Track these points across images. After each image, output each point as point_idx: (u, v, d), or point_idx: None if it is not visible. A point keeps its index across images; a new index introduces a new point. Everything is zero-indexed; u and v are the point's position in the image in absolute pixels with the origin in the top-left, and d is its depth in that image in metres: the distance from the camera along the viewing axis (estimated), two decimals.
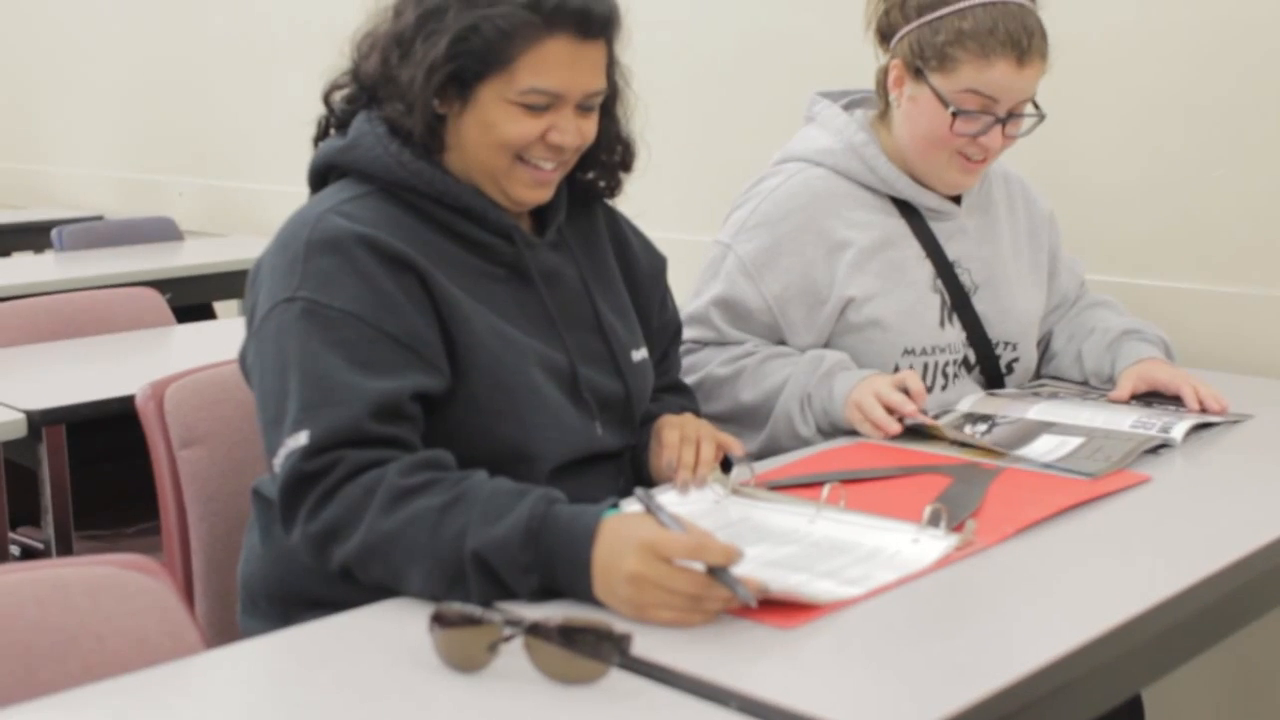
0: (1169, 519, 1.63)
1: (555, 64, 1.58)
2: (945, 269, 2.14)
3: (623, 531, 1.34)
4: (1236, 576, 1.48)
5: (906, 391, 1.95)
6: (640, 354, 1.79)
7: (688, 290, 2.16)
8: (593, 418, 1.70)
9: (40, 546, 2.46)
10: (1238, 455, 1.89)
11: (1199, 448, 1.90)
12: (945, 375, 2.10)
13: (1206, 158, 2.45)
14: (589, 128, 1.65)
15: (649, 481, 1.76)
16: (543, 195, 1.68)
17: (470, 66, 1.58)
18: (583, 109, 1.64)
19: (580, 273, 1.75)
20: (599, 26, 1.61)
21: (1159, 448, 1.87)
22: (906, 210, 2.14)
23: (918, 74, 2.04)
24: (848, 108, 2.20)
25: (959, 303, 2.13)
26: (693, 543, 1.30)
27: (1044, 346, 2.32)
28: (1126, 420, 1.97)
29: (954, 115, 2.01)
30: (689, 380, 2.03)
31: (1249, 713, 2.50)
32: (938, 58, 2.01)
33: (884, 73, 2.11)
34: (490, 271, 1.66)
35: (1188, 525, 1.61)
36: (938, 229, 2.15)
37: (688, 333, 2.07)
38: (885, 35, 2.10)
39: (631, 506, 1.45)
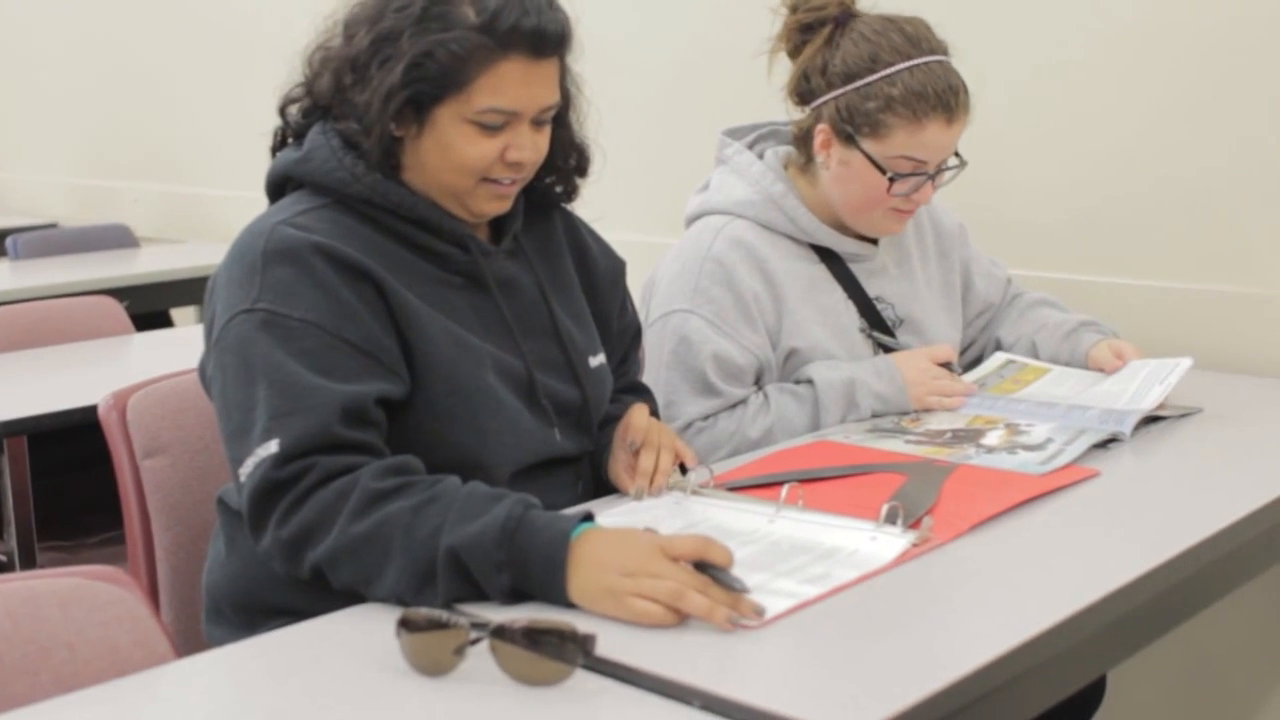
0: (1118, 512, 1.67)
1: (511, 84, 1.59)
2: (869, 310, 2.17)
3: (619, 537, 1.39)
4: (1185, 566, 1.52)
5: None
6: (598, 360, 1.81)
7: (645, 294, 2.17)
8: (551, 424, 1.72)
9: (3, 558, 2.46)
10: (1186, 448, 1.93)
11: (1148, 442, 1.94)
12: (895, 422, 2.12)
13: (1145, 153, 2.49)
14: (544, 141, 1.67)
15: (607, 485, 1.78)
16: (503, 207, 1.69)
17: (426, 91, 1.59)
18: (537, 123, 1.65)
19: (537, 280, 1.76)
20: (553, 45, 1.62)
21: (1108, 442, 1.91)
22: (826, 255, 2.17)
23: (848, 139, 2.06)
24: (755, 143, 2.22)
25: (885, 342, 2.17)
26: (701, 539, 1.36)
27: (993, 347, 2.36)
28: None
29: (890, 180, 2.04)
30: (717, 458, 2.00)
31: (1202, 697, 2.55)
32: (869, 124, 2.03)
33: (805, 132, 2.12)
34: (447, 280, 1.67)
35: (1137, 518, 1.65)
36: (857, 269, 2.18)
37: (695, 408, 2.05)
38: (804, 98, 2.12)
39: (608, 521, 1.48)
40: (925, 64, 2.02)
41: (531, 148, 1.64)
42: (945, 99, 2.01)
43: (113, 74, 5.36)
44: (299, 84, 1.71)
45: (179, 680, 1.30)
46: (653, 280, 2.19)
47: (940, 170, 2.08)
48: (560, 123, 1.73)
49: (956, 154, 2.09)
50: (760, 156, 2.19)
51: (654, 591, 1.32)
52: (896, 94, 2.01)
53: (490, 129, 1.61)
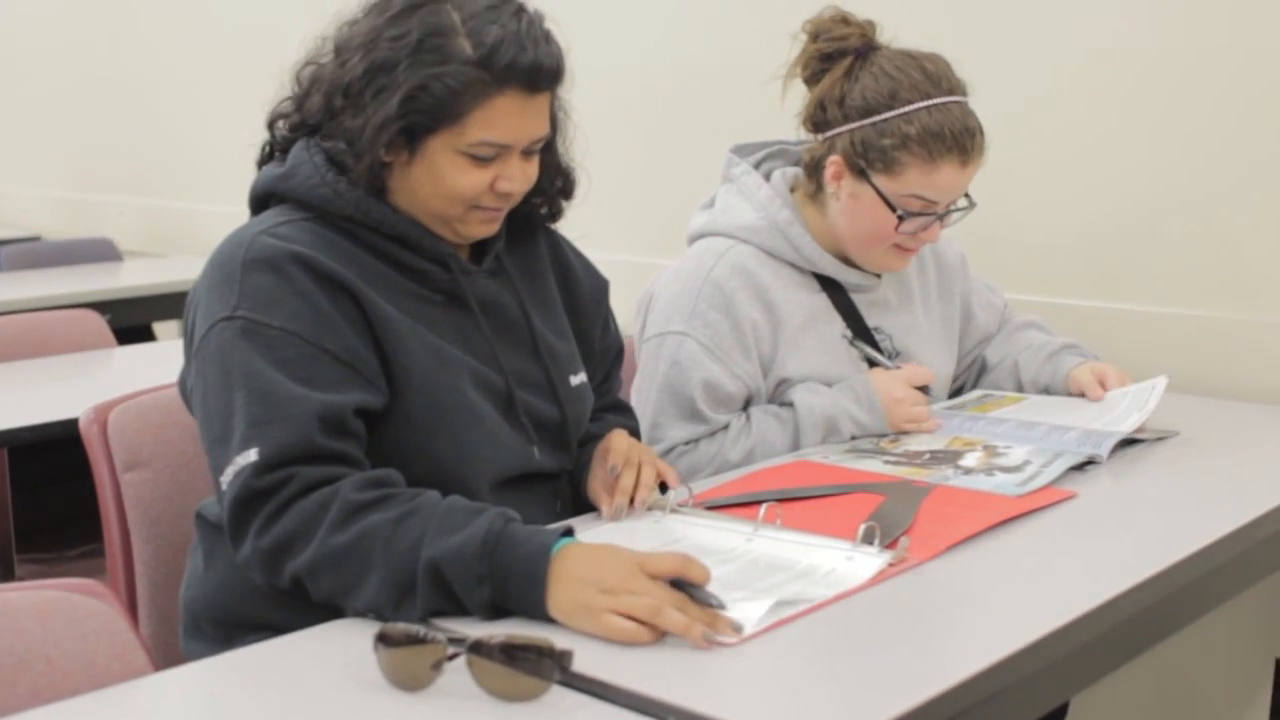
0: (1094, 534, 1.68)
1: (505, 117, 1.60)
2: (868, 340, 2.18)
3: (600, 552, 1.39)
4: (1158, 589, 1.53)
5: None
6: (579, 379, 1.82)
7: (630, 311, 2.18)
8: (530, 442, 1.72)
9: None
10: (1162, 471, 1.94)
11: (1125, 464, 1.95)
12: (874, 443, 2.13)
13: (1136, 180, 2.51)
14: (533, 170, 1.68)
15: (586, 503, 1.79)
16: (490, 230, 1.70)
17: (420, 122, 1.59)
18: (527, 153, 1.66)
19: (519, 299, 1.77)
20: (548, 80, 1.63)
21: (1086, 464, 1.92)
22: (827, 283, 2.17)
23: (860, 173, 2.05)
24: (763, 163, 2.21)
25: (871, 356, 2.17)
26: (680, 557, 1.37)
27: (979, 367, 2.38)
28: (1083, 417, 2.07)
29: (900, 218, 2.04)
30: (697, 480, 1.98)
31: None
32: (883, 160, 2.02)
33: (816, 161, 2.12)
34: (427, 297, 1.68)
35: (1112, 540, 1.66)
36: (858, 299, 2.19)
37: (679, 432, 2.05)
38: (819, 127, 2.10)
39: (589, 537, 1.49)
40: (944, 104, 2.01)
41: (521, 178, 1.65)
42: (961, 141, 2.00)
43: (98, 88, 5.36)
44: (288, 99, 1.71)
45: (156, 693, 1.30)
46: (650, 295, 2.18)
47: (949, 211, 2.08)
48: (547, 148, 1.74)
49: (966, 195, 2.09)
50: (767, 177, 2.19)
51: (631, 608, 1.33)
52: (913, 132, 2.00)
53: (481, 160, 1.61)
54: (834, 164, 2.08)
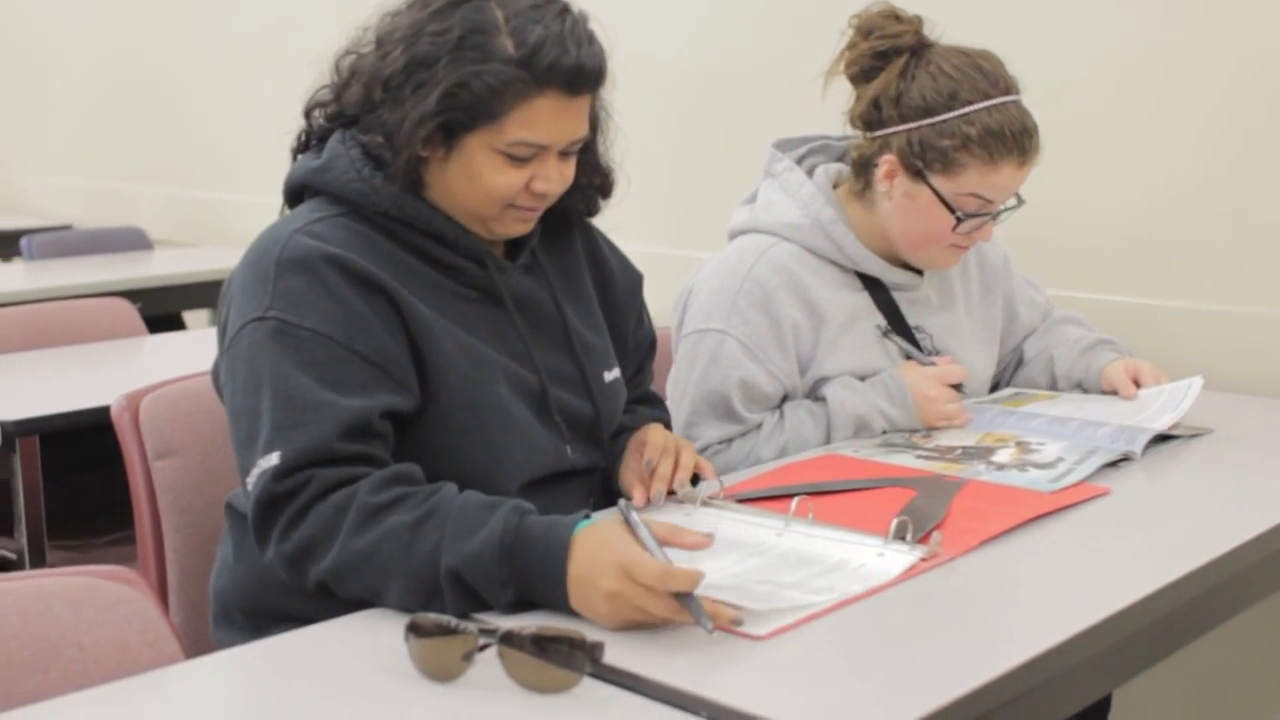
0: (1128, 531, 1.67)
1: (544, 118, 1.58)
2: (909, 339, 2.16)
3: (598, 548, 1.36)
4: (1194, 586, 1.52)
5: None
6: (612, 374, 1.81)
7: (662, 304, 2.17)
8: (563, 440, 1.72)
9: (13, 556, 2.47)
10: (1197, 468, 1.93)
11: (1159, 461, 1.94)
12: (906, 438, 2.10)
13: (1178, 180, 2.49)
14: (570, 170, 1.67)
15: (617, 497, 1.78)
16: (526, 229, 1.70)
17: (459, 119, 1.58)
18: (564, 154, 1.65)
19: (553, 295, 1.76)
20: (590, 82, 1.62)
21: (1119, 461, 1.90)
22: (869, 281, 2.15)
23: (917, 174, 2.03)
24: (805, 158, 2.19)
25: (906, 350, 2.16)
26: (660, 570, 1.31)
27: (1016, 360, 2.37)
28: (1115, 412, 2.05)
29: (958, 219, 2.02)
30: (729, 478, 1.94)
31: (1208, 718, 2.54)
32: (941, 161, 2.00)
33: (867, 159, 2.08)
34: (462, 293, 1.67)
35: (1147, 537, 1.65)
36: (900, 298, 2.17)
37: (715, 432, 2.04)
38: (871, 125, 2.07)
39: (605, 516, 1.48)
40: (1003, 104, 1.99)
41: (558, 179, 1.64)
42: (1021, 141, 1.99)
43: (129, 77, 5.38)
44: (326, 87, 1.70)
45: (188, 680, 1.31)
46: (689, 289, 2.17)
47: (1002, 210, 2.07)
48: (586, 148, 1.72)
49: (1015, 193, 2.08)
50: (810, 173, 2.17)
51: (641, 619, 1.33)
52: (974, 134, 1.98)
53: (518, 160, 1.60)
54: (888, 163, 2.05)
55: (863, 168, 2.10)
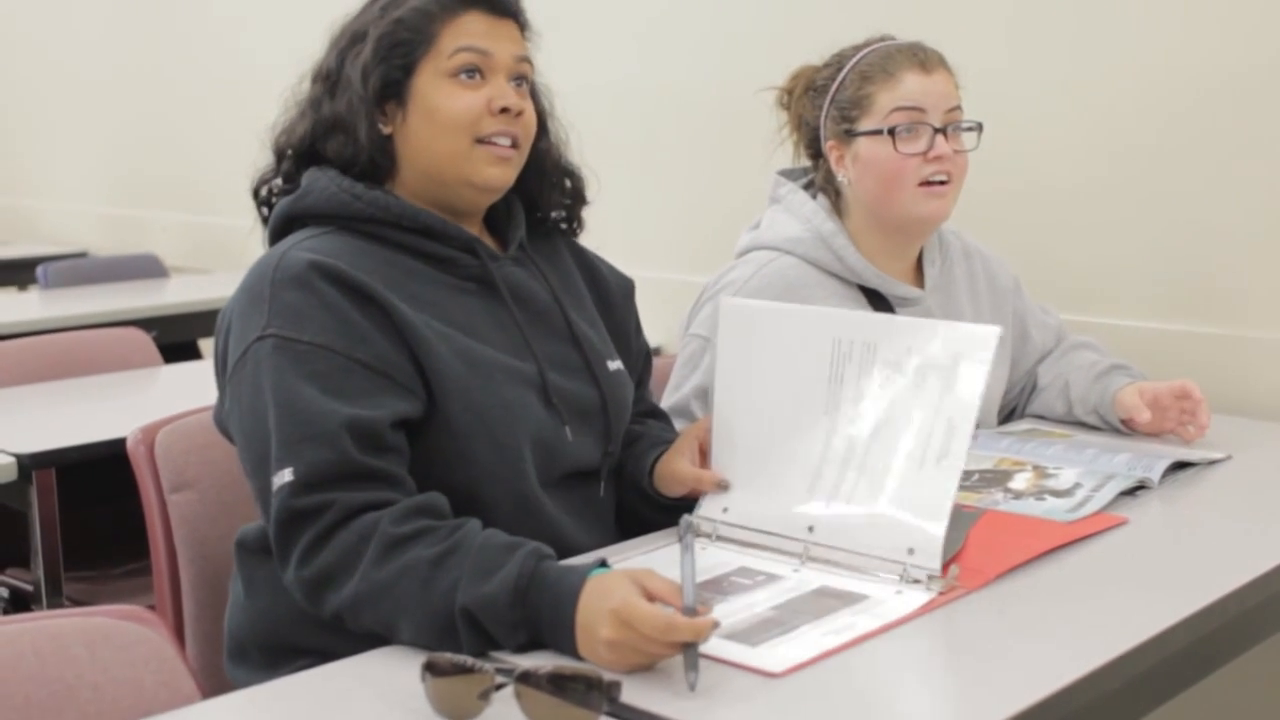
0: (1148, 561, 1.66)
1: (477, 28, 1.67)
2: None
3: (599, 597, 1.35)
4: (1215, 618, 1.51)
5: None
6: (616, 364, 1.81)
7: (661, 324, 2.18)
8: (561, 422, 1.70)
9: (29, 588, 2.47)
10: (1215, 496, 1.92)
11: (1176, 489, 1.93)
12: None
13: (1178, 201, 2.49)
14: (529, 107, 1.71)
15: (627, 496, 1.80)
16: (505, 174, 1.70)
17: (399, 61, 1.65)
18: (517, 82, 1.70)
19: (549, 286, 1.78)
20: (508, 5, 1.70)
21: (1136, 489, 1.90)
22: (872, 296, 2.17)
23: (849, 135, 2.12)
24: (808, 187, 2.24)
25: None
26: (663, 624, 1.30)
27: (1030, 386, 2.36)
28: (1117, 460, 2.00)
29: (891, 134, 2.07)
30: None
31: None
32: (857, 107, 2.11)
33: (822, 166, 2.19)
34: (459, 285, 1.68)
35: (1166, 567, 1.64)
36: (903, 313, 2.17)
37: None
38: (813, 142, 2.19)
39: (621, 565, 1.47)
40: (883, 43, 2.14)
41: (515, 100, 1.68)
42: (913, 51, 2.11)
43: (144, 104, 5.40)
44: (268, 166, 1.77)
45: None
46: (701, 291, 2.21)
47: (951, 129, 2.09)
48: (543, 134, 1.77)
49: (976, 126, 2.11)
50: (814, 198, 2.21)
51: (649, 662, 1.32)
52: (867, 69, 2.11)
53: (469, 78, 1.66)
54: (831, 149, 2.15)
55: (829, 179, 2.19)
